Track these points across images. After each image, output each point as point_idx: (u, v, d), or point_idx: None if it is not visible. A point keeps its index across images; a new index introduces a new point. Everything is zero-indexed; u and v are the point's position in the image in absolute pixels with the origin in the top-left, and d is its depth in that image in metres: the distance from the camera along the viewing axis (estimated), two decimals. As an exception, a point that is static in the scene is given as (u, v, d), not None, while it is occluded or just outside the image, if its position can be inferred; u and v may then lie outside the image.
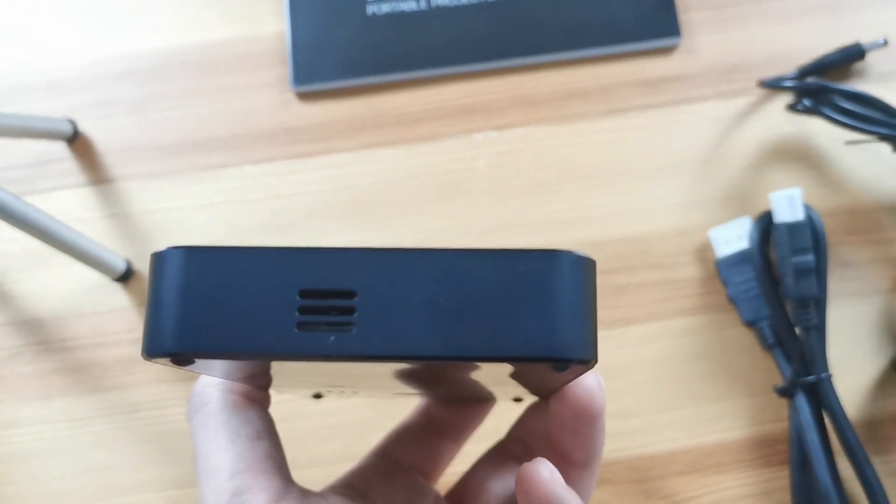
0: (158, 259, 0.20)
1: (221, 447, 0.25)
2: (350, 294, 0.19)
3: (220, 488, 0.24)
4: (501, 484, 0.30)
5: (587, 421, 0.25)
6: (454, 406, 0.31)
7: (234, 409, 0.26)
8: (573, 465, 0.26)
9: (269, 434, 0.26)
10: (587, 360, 0.19)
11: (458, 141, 0.45)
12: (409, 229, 0.44)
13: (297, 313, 0.19)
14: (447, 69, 0.46)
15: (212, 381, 0.26)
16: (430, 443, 0.31)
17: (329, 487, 0.29)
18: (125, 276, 0.44)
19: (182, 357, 0.19)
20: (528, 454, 0.30)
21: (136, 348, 0.43)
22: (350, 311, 0.19)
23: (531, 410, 0.30)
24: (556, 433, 0.26)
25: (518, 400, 0.31)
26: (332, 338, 0.19)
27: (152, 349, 0.19)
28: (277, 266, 0.19)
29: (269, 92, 0.47)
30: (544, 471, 0.23)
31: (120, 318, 0.44)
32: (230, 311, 0.19)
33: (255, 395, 0.26)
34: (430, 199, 0.45)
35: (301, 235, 0.44)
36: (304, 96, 0.47)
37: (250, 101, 0.47)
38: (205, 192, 0.46)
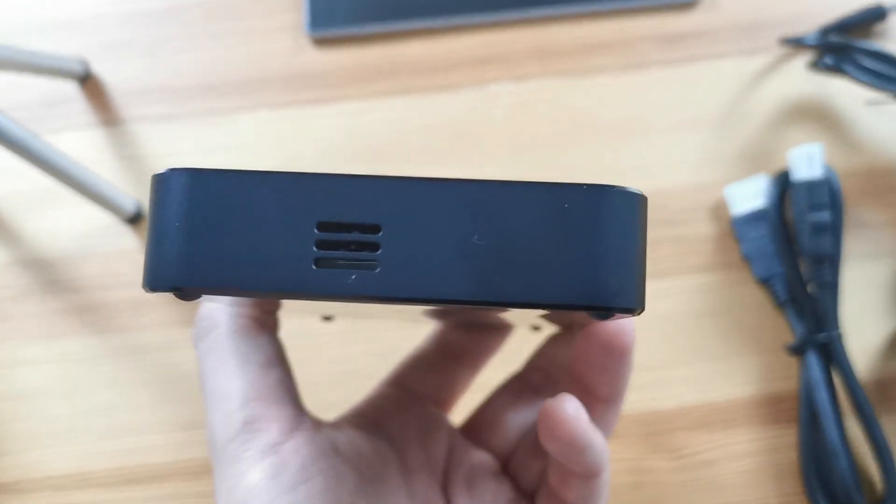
0: (160, 182, 0.18)
1: (231, 374, 0.24)
2: (374, 228, 0.17)
3: (232, 416, 0.23)
4: (520, 415, 0.29)
5: (616, 357, 0.24)
6: (470, 333, 0.31)
7: (243, 335, 0.25)
8: (597, 400, 0.25)
9: (280, 361, 0.25)
10: (634, 308, 0.17)
11: (474, 91, 0.45)
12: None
13: (314, 248, 0.17)
14: (465, 18, 0.46)
15: (219, 305, 0.25)
16: (445, 371, 0.30)
17: (342, 418, 0.28)
18: (135, 218, 0.44)
19: (187, 292, 0.18)
20: (549, 385, 0.29)
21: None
22: (374, 246, 0.17)
23: (553, 340, 0.30)
24: (581, 367, 0.25)
25: (536, 328, 0.31)
26: (354, 276, 0.17)
27: (155, 282, 0.18)
28: (293, 194, 0.17)
29: (284, 36, 0.47)
30: (569, 408, 0.23)
31: (130, 259, 0.44)
32: (240, 243, 0.17)
33: (265, 319, 0.26)
34: (445, 149, 0.44)
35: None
36: (319, 42, 0.46)
37: (265, 46, 0.46)
38: (217, 136, 0.45)
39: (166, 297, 0.43)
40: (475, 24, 0.46)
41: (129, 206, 0.43)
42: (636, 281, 0.17)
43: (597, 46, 0.45)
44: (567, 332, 0.30)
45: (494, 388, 0.31)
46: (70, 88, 0.46)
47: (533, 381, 0.30)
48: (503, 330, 0.31)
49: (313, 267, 0.17)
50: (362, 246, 0.17)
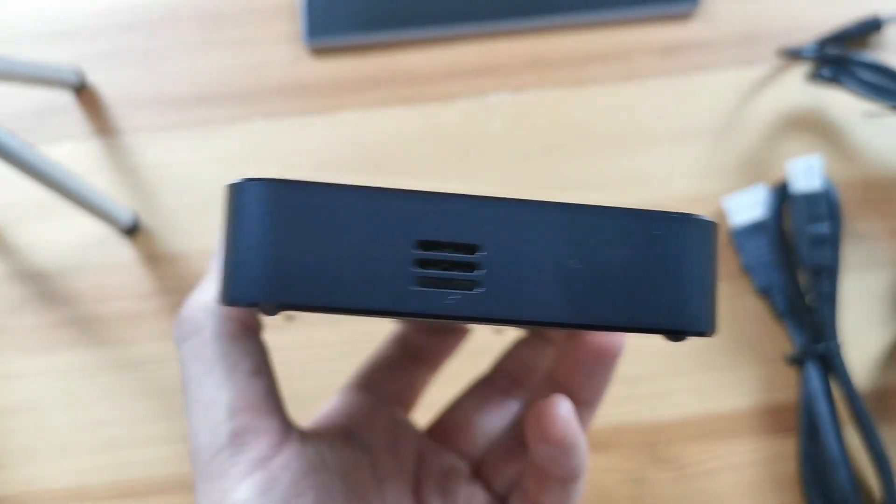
0: (237, 192, 0.17)
1: (218, 381, 0.23)
2: (475, 248, 0.17)
3: (219, 427, 0.23)
4: (488, 418, 0.29)
5: (607, 361, 0.25)
6: (430, 334, 0.30)
7: (231, 339, 0.24)
8: (577, 403, 0.26)
9: (266, 368, 0.24)
10: (708, 331, 0.18)
11: (472, 102, 0.45)
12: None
13: (414, 266, 0.17)
14: (463, 28, 0.45)
15: (204, 304, 0.24)
16: (407, 371, 0.30)
17: (318, 426, 0.27)
18: (132, 230, 0.43)
19: (269, 306, 0.17)
20: (517, 388, 0.30)
21: (143, 303, 0.43)
22: (473, 266, 0.17)
23: (523, 345, 0.30)
24: (566, 371, 0.26)
25: (499, 332, 0.31)
26: (455, 296, 0.17)
27: (236, 296, 0.17)
28: (392, 210, 0.17)
29: (281, 46, 0.46)
30: (563, 409, 0.23)
31: (126, 271, 0.43)
32: (331, 258, 0.17)
33: (251, 320, 0.25)
34: (443, 159, 0.44)
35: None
36: (317, 51, 0.46)
37: (261, 55, 0.46)
38: (214, 146, 0.45)
39: (163, 310, 0.43)
40: (473, 33, 0.46)
41: (126, 218, 0.43)
42: (712, 304, 0.18)
43: (594, 57, 0.45)
44: (537, 337, 0.30)
45: (461, 391, 0.30)
46: (65, 98, 0.46)
47: (500, 384, 0.30)
48: (461, 331, 0.31)
49: (414, 286, 0.17)
50: (462, 266, 0.17)
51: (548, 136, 0.44)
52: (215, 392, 0.23)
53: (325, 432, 0.27)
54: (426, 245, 0.17)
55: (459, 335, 0.31)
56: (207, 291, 0.24)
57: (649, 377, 0.41)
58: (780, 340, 0.41)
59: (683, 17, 0.46)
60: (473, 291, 0.17)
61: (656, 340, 0.40)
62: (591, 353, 0.25)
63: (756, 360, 0.41)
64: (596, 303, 0.17)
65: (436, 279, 0.17)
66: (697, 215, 0.18)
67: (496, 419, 0.30)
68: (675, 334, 0.18)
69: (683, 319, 0.17)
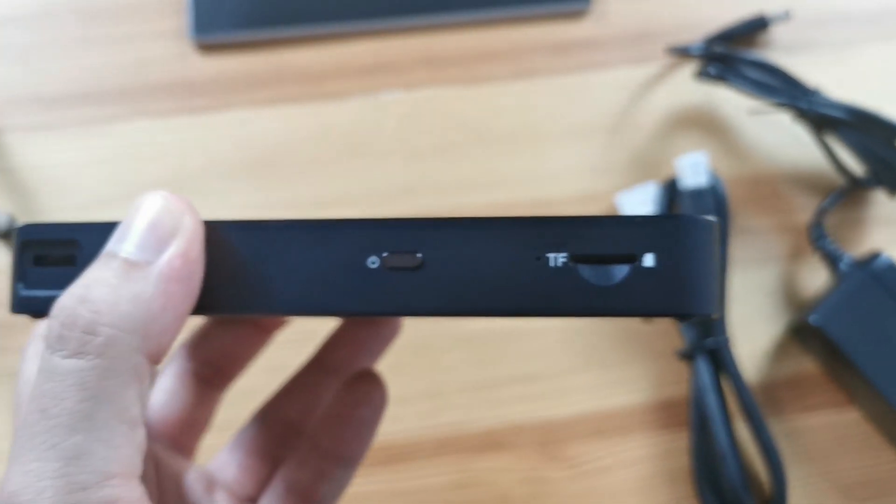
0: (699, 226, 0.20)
1: (97, 431, 0.18)
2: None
3: (77, 495, 0.18)
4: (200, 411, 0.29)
5: (392, 339, 0.30)
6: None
7: (134, 379, 0.19)
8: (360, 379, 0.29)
9: (145, 413, 0.20)
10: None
11: (363, 100, 0.44)
12: (311, 190, 0.43)
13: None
14: (354, 25, 0.45)
15: (120, 316, 0.19)
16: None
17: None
18: (7, 234, 0.41)
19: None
20: (220, 378, 0.29)
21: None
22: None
23: (221, 331, 0.29)
24: (355, 347, 0.29)
25: None
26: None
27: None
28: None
29: (166, 42, 0.45)
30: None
31: (2, 277, 0.41)
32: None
33: (163, 348, 0.20)
34: (334, 159, 0.43)
35: (197, 195, 0.42)
36: (203, 48, 0.45)
37: (145, 52, 0.45)
38: (94, 146, 0.43)
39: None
40: (365, 31, 0.45)
41: (1, 221, 0.41)
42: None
43: (486, 55, 0.45)
44: (238, 325, 0.29)
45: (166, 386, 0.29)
46: (-66, 97, 0.43)
47: (203, 375, 0.29)
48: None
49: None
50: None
51: (441, 134, 0.44)
52: (88, 444, 0.18)
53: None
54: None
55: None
56: (106, 289, 0.19)
57: (543, 376, 0.41)
58: (673, 336, 0.41)
59: (576, 15, 0.46)
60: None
61: (552, 338, 0.40)
62: (390, 330, 0.29)
63: (649, 356, 0.41)
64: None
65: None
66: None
67: (206, 412, 0.29)
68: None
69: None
